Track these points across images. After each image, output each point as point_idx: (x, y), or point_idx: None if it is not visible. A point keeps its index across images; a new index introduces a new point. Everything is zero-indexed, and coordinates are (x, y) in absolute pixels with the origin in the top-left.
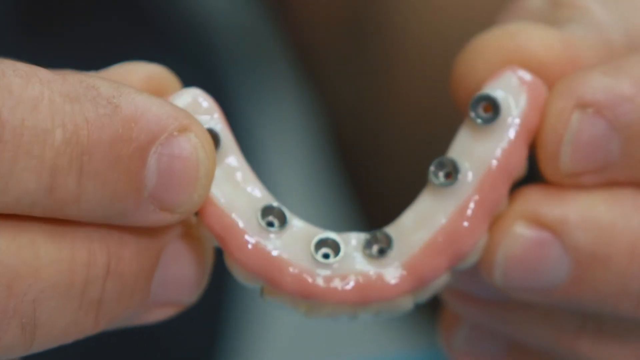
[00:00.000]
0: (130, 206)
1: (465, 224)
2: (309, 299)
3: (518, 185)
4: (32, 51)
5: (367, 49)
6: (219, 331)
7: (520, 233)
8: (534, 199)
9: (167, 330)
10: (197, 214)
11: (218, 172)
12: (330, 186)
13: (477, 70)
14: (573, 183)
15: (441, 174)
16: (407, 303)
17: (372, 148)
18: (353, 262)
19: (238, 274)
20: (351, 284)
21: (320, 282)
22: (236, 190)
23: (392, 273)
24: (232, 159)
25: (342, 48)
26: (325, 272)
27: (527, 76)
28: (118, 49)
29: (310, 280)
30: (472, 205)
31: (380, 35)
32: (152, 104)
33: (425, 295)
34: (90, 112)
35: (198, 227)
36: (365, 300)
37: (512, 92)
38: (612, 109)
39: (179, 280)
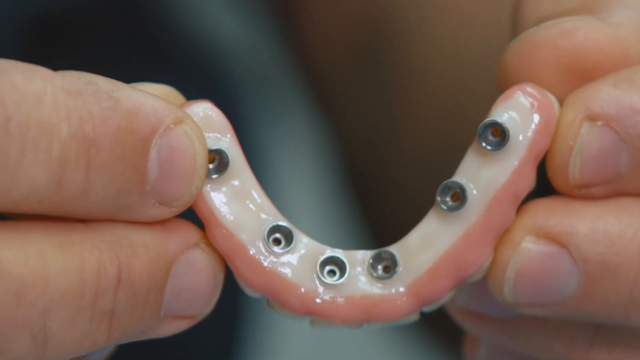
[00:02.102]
0: (134, 200)
1: (471, 249)
2: (314, 316)
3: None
4: None
5: (379, 72)
6: (234, 339)
7: (529, 248)
8: (541, 213)
9: (182, 337)
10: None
11: (227, 191)
12: (339, 206)
13: (530, 69)
14: (583, 194)
15: (448, 198)
16: (413, 317)
17: (382, 170)
18: (358, 282)
19: (245, 288)
20: (355, 305)
21: (325, 303)
22: (244, 208)
23: (396, 295)
24: (242, 177)
25: (354, 72)
26: (330, 293)
27: (537, 96)
28: (130, 76)
29: (315, 300)
30: (478, 230)
31: (392, 58)
32: (146, 97)
33: (431, 309)
34: (93, 106)
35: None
36: (369, 320)
37: (522, 114)
38: (622, 121)
39: (191, 292)
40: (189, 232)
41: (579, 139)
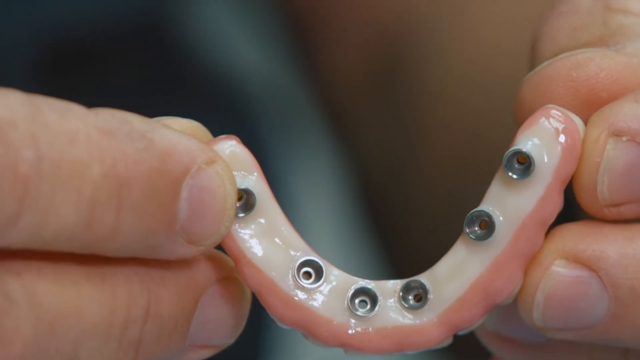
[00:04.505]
0: (163, 240)
1: (500, 276)
2: (346, 348)
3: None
4: None
5: (397, 100)
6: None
7: (558, 272)
8: (570, 237)
9: None
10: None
11: (255, 228)
12: (361, 236)
13: (546, 102)
14: (613, 214)
15: (476, 228)
16: (446, 342)
17: (403, 198)
18: (389, 313)
19: (277, 321)
20: (387, 336)
21: (356, 335)
22: (273, 245)
23: (427, 325)
24: (270, 213)
25: (373, 100)
26: (362, 325)
27: (561, 121)
28: (153, 107)
29: (347, 333)
30: (506, 258)
31: (409, 87)
32: (180, 137)
33: (463, 333)
34: (127, 146)
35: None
36: (401, 350)
37: (546, 141)
38: None
39: (217, 323)
40: (218, 263)
41: (605, 155)
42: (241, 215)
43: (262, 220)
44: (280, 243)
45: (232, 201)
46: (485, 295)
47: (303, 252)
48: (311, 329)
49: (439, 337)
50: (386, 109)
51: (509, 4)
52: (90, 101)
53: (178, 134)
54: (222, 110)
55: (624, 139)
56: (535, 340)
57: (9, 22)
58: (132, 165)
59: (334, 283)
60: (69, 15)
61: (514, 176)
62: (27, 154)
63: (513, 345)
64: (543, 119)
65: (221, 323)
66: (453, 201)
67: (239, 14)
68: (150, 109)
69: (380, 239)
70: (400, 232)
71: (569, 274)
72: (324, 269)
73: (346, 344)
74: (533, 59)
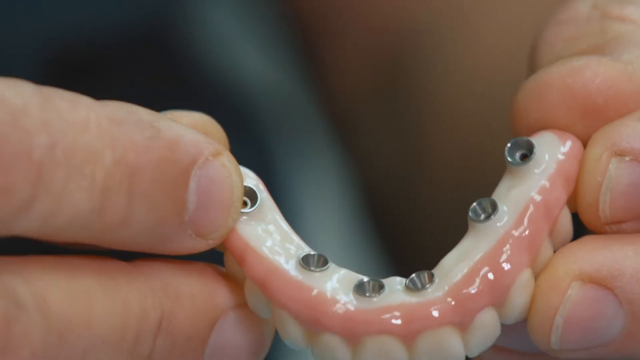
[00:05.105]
0: (172, 230)
1: (505, 255)
2: (354, 333)
3: None
4: None
5: (401, 106)
6: None
7: (576, 294)
8: (584, 257)
9: None
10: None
11: (257, 228)
12: (366, 240)
13: (542, 109)
14: (614, 231)
15: (482, 216)
16: (455, 342)
17: (407, 203)
18: (396, 295)
19: (287, 336)
20: (394, 314)
21: (363, 315)
22: (276, 243)
23: (434, 302)
24: (271, 215)
25: (377, 108)
26: (369, 306)
27: (565, 136)
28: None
29: (354, 313)
30: (510, 238)
31: (413, 92)
32: (185, 129)
33: (475, 341)
34: (136, 135)
35: (248, 296)
36: (409, 330)
37: (549, 145)
38: None
39: (236, 349)
40: (239, 290)
41: (607, 174)
42: (244, 211)
43: (264, 220)
44: (284, 242)
45: (238, 193)
46: (491, 272)
47: (307, 251)
48: (317, 316)
49: (446, 316)
50: (390, 114)
51: (513, 11)
52: None
53: (183, 126)
54: (226, 116)
55: (627, 158)
56: (533, 350)
57: (15, 32)
58: (142, 154)
59: (339, 275)
60: (73, 24)
61: (510, 160)
62: (41, 140)
63: (511, 356)
64: (546, 131)
65: (241, 350)
66: (457, 205)
67: (243, 20)
68: None
69: (385, 243)
70: (404, 237)
71: (586, 295)
72: (328, 260)
73: (353, 327)
74: (531, 67)
